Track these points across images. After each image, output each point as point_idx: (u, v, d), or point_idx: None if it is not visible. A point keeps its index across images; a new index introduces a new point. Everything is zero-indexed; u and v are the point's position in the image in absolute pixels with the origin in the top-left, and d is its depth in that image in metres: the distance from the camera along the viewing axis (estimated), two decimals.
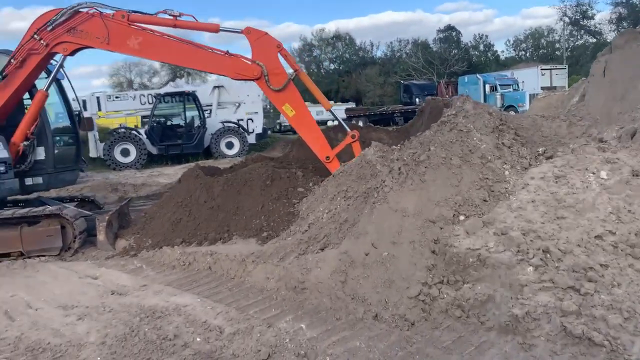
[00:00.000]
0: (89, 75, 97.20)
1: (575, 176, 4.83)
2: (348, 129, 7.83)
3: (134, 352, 3.77)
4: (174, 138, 20.63)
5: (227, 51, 7.45)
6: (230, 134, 21.14)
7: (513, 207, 4.61)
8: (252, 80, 7.40)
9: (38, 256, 6.81)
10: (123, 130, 20.67)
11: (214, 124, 21.37)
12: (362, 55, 72.93)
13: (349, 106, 43.92)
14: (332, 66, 74.56)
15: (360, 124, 23.96)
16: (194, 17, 7.43)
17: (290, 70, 7.64)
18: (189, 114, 21.31)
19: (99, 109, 21.61)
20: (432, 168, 5.03)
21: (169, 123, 21.44)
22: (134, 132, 20.38)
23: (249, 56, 7.37)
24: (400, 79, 52.38)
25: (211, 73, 8.68)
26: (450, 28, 63.38)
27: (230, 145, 21.12)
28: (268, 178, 6.95)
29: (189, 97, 21.11)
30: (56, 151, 8.13)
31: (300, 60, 74.38)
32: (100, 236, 7.08)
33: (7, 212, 6.88)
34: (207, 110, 22.28)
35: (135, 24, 7.22)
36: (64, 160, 8.47)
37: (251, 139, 22.47)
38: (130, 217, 8.28)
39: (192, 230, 6.63)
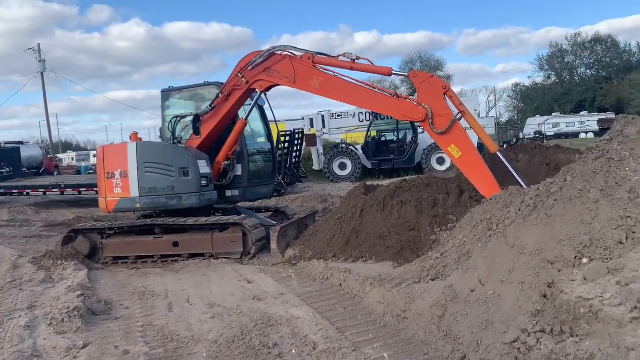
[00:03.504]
0: None
1: None
2: (524, 185, 6.39)
3: (235, 354, 4.29)
4: (386, 153, 21.53)
5: (396, 92, 7.76)
6: (441, 150, 20.96)
7: None
8: (418, 122, 7.50)
9: (224, 258, 8.01)
10: (343, 145, 22.36)
11: (426, 139, 21.52)
12: (627, 59, 64.22)
13: (603, 116, 39.18)
14: (588, 72, 67.43)
15: None
16: (369, 61, 7.84)
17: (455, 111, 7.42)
18: (402, 130, 21.92)
19: (323, 126, 23.68)
20: (563, 201, 4.48)
21: (382, 139, 22.39)
22: (351, 147, 21.87)
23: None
24: None
25: (379, 113, 8.95)
26: None
27: (441, 161, 20.99)
28: (418, 202, 6.93)
29: None
30: (252, 168, 9.39)
31: (550, 67, 69.31)
32: (273, 245, 7.95)
33: (203, 219, 8.24)
34: (421, 126, 22.55)
35: (319, 65, 7.95)
36: (260, 176, 9.70)
37: None
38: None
39: (343, 246, 7.01)
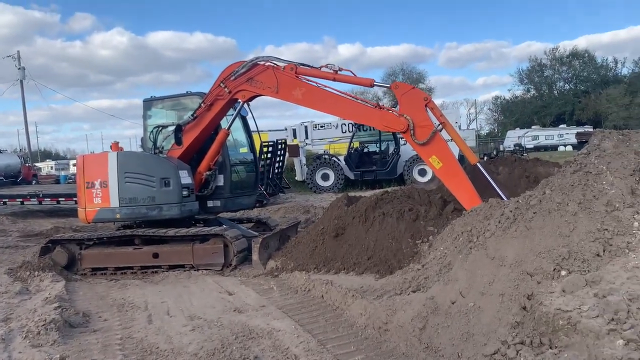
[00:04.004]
0: None
1: None
2: (504, 197, 6.58)
3: None
4: (369, 164, 21.65)
5: (378, 103, 7.83)
6: (423, 162, 21.14)
7: (629, 267, 3.92)
8: (399, 132, 7.57)
9: (205, 269, 7.94)
10: (326, 156, 22.41)
11: (408, 151, 21.70)
12: (604, 74, 65.70)
13: (581, 130, 39.89)
14: (566, 86, 68.79)
15: None
16: (352, 72, 7.91)
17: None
18: (384, 141, 22.07)
19: (306, 137, 23.72)
20: (542, 214, 4.54)
21: (365, 150, 22.52)
22: (334, 158, 21.93)
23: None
24: None
25: (361, 124, 9.07)
26: None
27: (423, 173, 21.15)
28: (399, 214, 6.96)
29: None
30: (234, 179, 9.34)
31: (529, 81, 70.46)
32: (255, 256, 7.91)
33: (183, 230, 8.17)
34: (404, 138, 22.77)
35: (302, 76, 7.98)
36: (242, 186, 9.67)
37: None
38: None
39: (324, 258, 7.00)
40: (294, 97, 8.04)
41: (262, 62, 8.20)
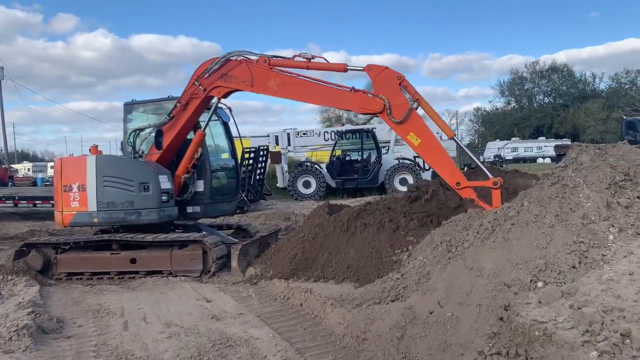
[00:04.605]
0: (310, 111, 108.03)
1: None
2: (490, 175, 7.15)
3: None
4: (350, 172, 21.70)
5: (353, 87, 7.84)
6: (404, 171, 21.32)
7: (604, 279, 3.98)
8: (376, 113, 7.61)
9: (183, 276, 7.85)
10: (308, 163, 22.42)
11: (389, 160, 21.83)
12: (582, 88, 67.10)
13: (559, 142, 40.53)
14: (546, 99, 70.04)
15: None
16: (325, 59, 7.96)
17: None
18: (366, 150, 22.17)
19: (289, 144, 23.70)
20: (520, 226, 4.59)
21: (347, 158, 22.58)
22: (315, 165, 21.94)
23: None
24: (625, 114, 46.60)
25: (338, 108, 9.10)
26: None
27: (404, 182, 21.23)
28: (380, 224, 6.98)
29: (368, 134, 22.12)
30: (214, 185, 9.28)
31: (510, 93, 71.53)
32: (234, 263, 7.85)
33: (162, 236, 8.08)
34: (385, 147, 22.96)
35: (276, 67, 8.00)
36: (222, 192, 9.60)
37: (427, 175, 22.30)
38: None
39: (304, 266, 6.98)
40: (269, 89, 8.03)
41: (234, 58, 8.18)
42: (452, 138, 7.58)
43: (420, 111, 7.68)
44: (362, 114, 8.03)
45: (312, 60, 7.84)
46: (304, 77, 7.85)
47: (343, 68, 7.90)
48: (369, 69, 7.54)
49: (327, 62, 7.92)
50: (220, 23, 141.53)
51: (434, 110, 7.73)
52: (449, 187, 7.25)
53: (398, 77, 7.42)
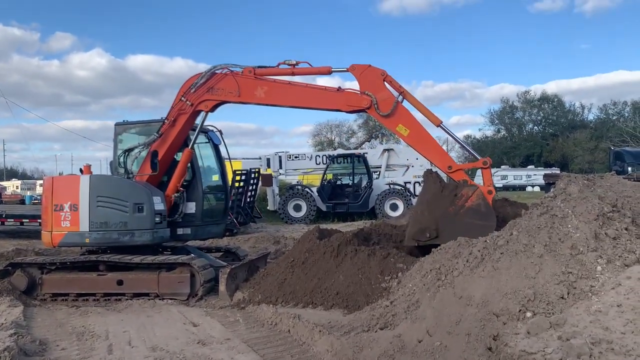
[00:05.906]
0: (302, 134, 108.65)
1: None
2: (478, 157, 7.77)
3: None
4: (341, 197, 21.73)
5: (339, 87, 8.09)
6: (395, 196, 21.37)
7: (592, 310, 3.99)
8: (364, 110, 7.85)
9: (170, 299, 7.75)
10: (299, 187, 22.43)
11: (380, 185, 21.90)
12: (572, 118, 68.22)
13: (549, 171, 40.86)
14: (536, 128, 70.97)
15: None
16: (309, 64, 8.13)
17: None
18: (358, 174, 22.25)
19: (280, 167, 23.73)
20: (509, 255, 4.62)
21: (338, 182, 22.64)
22: (306, 189, 21.96)
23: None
24: (612, 145, 47.21)
25: (327, 110, 9.27)
26: None
27: (394, 207, 21.29)
28: (371, 250, 6.98)
29: (359, 159, 22.24)
30: (204, 207, 9.24)
31: (500, 122, 72.33)
32: (222, 287, 7.76)
33: (150, 258, 8.00)
34: (377, 172, 23.07)
35: (261, 76, 8.13)
36: (212, 214, 9.57)
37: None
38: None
39: (293, 291, 6.93)
40: (257, 97, 8.16)
41: (219, 71, 8.31)
42: (439, 125, 7.86)
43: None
44: (351, 112, 8.17)
45: (296, 66, 8.02)
46: (291, 82, 7.99)
47: (327, 71, 8.13)
48: (353, 68, 7.83)
49: (312, 66, 8.09)
50: (215, 43, 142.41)
51: (418, 101, 7.97)
52: None
53: (381, 73, 7.73)
